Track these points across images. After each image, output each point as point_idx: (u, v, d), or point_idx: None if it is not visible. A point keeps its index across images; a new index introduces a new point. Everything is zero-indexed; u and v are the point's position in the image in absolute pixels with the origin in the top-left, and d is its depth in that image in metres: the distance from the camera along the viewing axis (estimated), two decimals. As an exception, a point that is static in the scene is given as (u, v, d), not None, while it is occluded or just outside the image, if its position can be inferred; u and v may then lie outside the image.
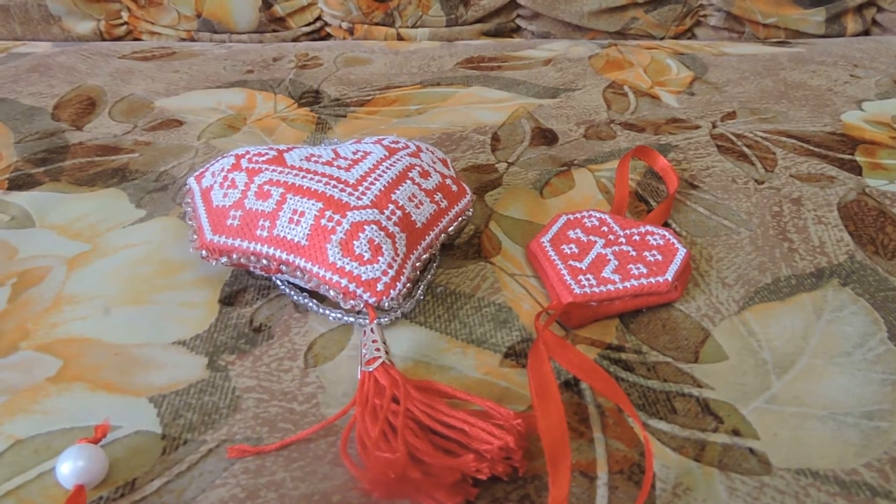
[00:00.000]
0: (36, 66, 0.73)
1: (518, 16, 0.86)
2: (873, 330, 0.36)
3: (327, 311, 0.37)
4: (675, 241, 0.41)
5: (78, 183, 0.51)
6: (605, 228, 0.42)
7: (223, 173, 0.40)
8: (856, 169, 0.51)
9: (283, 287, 0.39)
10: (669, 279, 0.38)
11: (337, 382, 0.34)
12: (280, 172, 0.39)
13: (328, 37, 0.87)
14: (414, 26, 0.84)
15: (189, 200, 0.41)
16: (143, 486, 0.29)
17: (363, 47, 0.79)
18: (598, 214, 0.43)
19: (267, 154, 0.41)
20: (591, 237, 0.41)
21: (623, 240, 0.41)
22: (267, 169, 0.39)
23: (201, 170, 0.43)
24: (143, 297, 0.40)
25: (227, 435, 0.31)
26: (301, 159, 0.40)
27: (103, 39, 0.86)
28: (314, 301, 0.38)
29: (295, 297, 0.38)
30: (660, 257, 0.39)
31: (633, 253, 0.40)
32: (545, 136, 0.57)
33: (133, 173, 0.52)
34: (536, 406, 0.28)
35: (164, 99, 0.65)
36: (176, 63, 0.74)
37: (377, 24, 0.85)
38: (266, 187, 0.38)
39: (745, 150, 0.54)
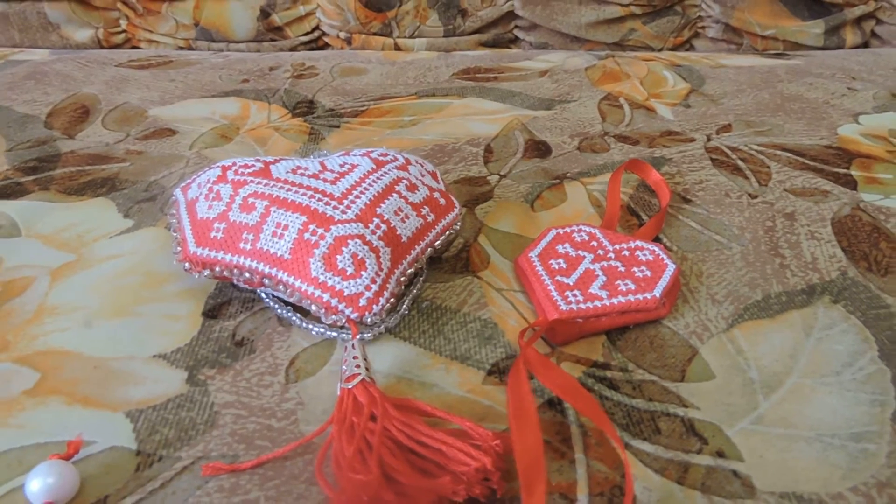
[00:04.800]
0: (32, 73, 0.73)
1: (516, 26, 0.86)
2: (863, 349, 0.36)
3: (310, 326, 0.37)
4: (665, 257, 0.40)
5: (67, 192, 0.50)
6: (595, 243, 0.42)
7: (209, 185, 0.40)
8: (851, 183, 0.51)
9: (267, 300, 0.39)
10: (657, 296, 0.37)
11: (317, 399, 0.33)
12: (265, 185, 0.38)
13: (326, 46, 0.87)
14: (411, 36, 0.84)
15: (174, 212, 0.41)
16: (115, 503, 0.28)
17: (360, 57, 0.79)
18: (587, 229, 0.43)
19: (253, 166, 0.40)
20: (579, 252, 0.41)
21: (612, 255, 0.41)
22: (252, 181, 0.39)
23: (188, 181, 0.42)
24: (127, 308, 0.39)
25: (203, 452, 0.31)
26: (287, 172, 0.40)
27: (101, 47, 0.87)
28: (298, 315, 0.37)
29: (279, 311, 0.38)
30: (648, 273, 0.39)
31: (622, 268, 0.39)
32: (538, 149, 0.56)
33: (123, 183, 0.52)
34: (513, 428, 0.28)
35: (159, 108, 0.65)
36: (172, 72, 0.74)
37: (375, 34, 0.85)
38: (250, 200, 0.38)
39: (740, 163, 0.54)
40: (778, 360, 0.35)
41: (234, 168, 0.41)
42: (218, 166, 0.42)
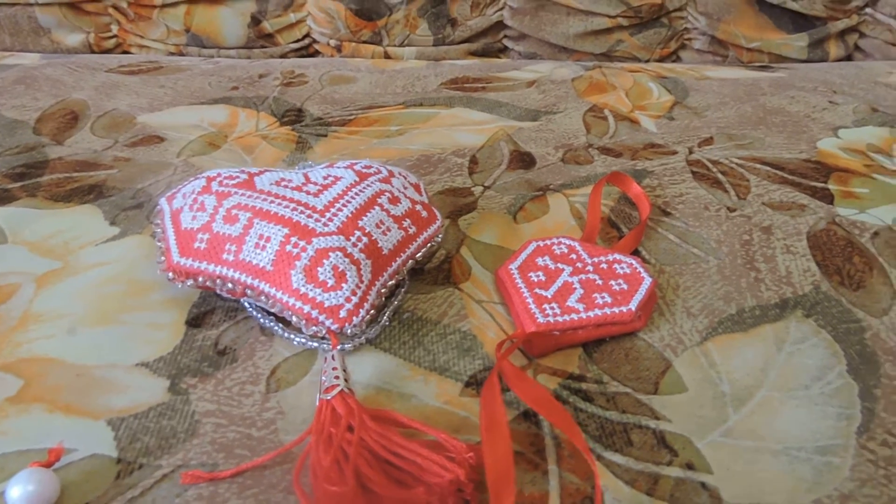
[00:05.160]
0: (22, 78, 0.74)
1: (505, 36, 0.87)
2: (832, 363, 0.37)
3: (292, 336, 0.37)
4: (642, 270, 0.41)
5: (54, 199, 0.51)
6: (574, 256, 0.42)
7: (193, 195, 0.41)
8: (828, 197, 0.52)
9: (250, 310, 0.39)
10: (633, 309, 0.38)
11: (297, 408, 0.34)
12: (249, 197, 0.39)
13: (316, 53, 0.88)
14: (401, 45, 0.85)
15: (159, 221, 0.41)
16: (95, 512, 0.29)
17: (349, 65, 0.79)
18: (567, 241, 0.44)
19: (238, 177, 0.41)
20: (558, 265, 0.42)
21: (590, 268, 0.41)
22: (236, 193, 0.39)
23: (173, 191, 0.43)
24: (111, 316, 0.40)
25: (183, 460, 0.31)
26: (271, 183, 0.40)
27: (92, 52, 0.87)
28: (280, 325, 0.38)
29: (261, 321, 0.38)
30: (625, 286, 0.40)
31: (600, 282, 0.40)
32: (523, 160, 0.57)
33: (110, 190, 0.52)
34: (484, 440, 0.28)
35: (147, 114, 0.65)
36: (162, 78, 0.74)
37: (365, 42, 0.85)
38: (234, 211, 0.38)
39: (720, 176, 0.55)
40: (749, 374, 0.36)
41: (218, 179, 0.41)
42: (203, 177, 0.42)
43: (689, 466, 0.31)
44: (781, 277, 0.43)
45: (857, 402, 0.34)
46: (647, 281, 0.40)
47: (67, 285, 0.42)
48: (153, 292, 0.41)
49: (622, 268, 0.41)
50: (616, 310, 0.38)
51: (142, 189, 0.52)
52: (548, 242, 0.44)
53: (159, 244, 0.41)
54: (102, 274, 0.43)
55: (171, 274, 0.39)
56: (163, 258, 0.39)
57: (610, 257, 0.42)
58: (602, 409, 0.34)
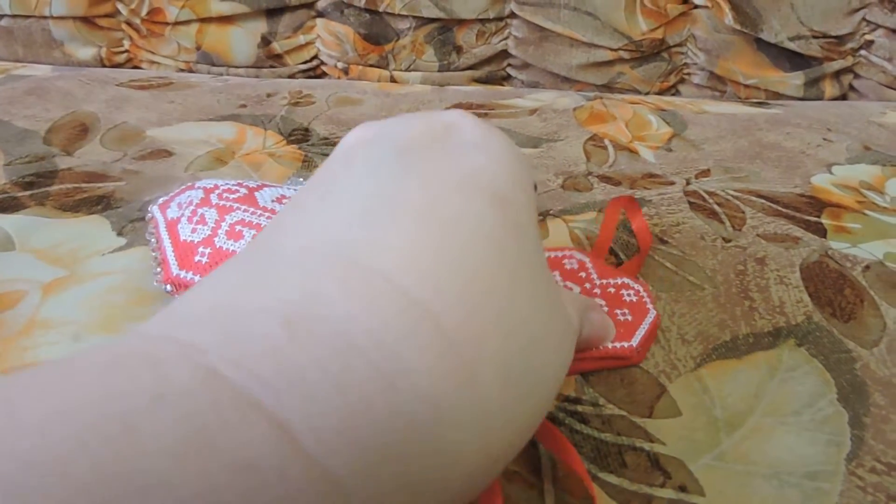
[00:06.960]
0: (34, 89, 0.75)
1: (509, 65, 0.89)
2: (824, 391, 0.37)
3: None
4: (648, 301, 0.41)
5: (62, 208, 0.52)
6: (584, 274, 0.43)
7: (191, 207, 0.41)
8: (821, 231, 0.53)
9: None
10: (633, 346, 0.38)
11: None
12: (252, 213, 0.40)
13: (323, 75, 0.90)
14: (407, 70, 0.87)
15: (153, 230, 0.42)
16: (95, 516, 0.29)
17: (356, 88, 0.81)
18: (579, 256, 0.44)
19: (238, 192, 0.42)
20: (567, 283, 0.42)
21: (598, 290, 0.42)
22: (238, 208, 0.40)
23: (166, 198, 0.44)
24: (116, 325, 0.40)
25: (184, 468, 0.32)
26: (272, 200, 0.41)
27: (103, 66, 0.88)
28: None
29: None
30: (630, 318, 0.40)
31: (606, 309, 0.40)
32: (524, 185, 0.58)
33: (118, 201, 0.53)
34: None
35: (157, 129, 0.66)
36: (171, 94, 0.76)
37: (372, 65, 0.87)
38: (238, 227, 0.39)
39: (716, 207, 0.56)
40: (742, 400, 0.37)
41: (217, 192, 0.42)
42: (199, 188, 0.43)
43: (682, 488, 0.32)
44: (775, 307, 0.44)
45: (846, 430, 0.35)
46: (651, 314, 0.40)
47: (73, 293, 0.43)
48: (157, 302, 0.42)
49: (629, 295, 0.41)
50: (618, 345, 0.38)
51: (149, 201, 0.53)
52: (559, 255, 0.44)
53: (154, 254, 0.41)
54: (108, 283, 0.44)
55: (169, 286, 0.39)
56: (159, 269, 0.40)
57: (618, 281, 0.42)
58: (597, 431, 0.35)
